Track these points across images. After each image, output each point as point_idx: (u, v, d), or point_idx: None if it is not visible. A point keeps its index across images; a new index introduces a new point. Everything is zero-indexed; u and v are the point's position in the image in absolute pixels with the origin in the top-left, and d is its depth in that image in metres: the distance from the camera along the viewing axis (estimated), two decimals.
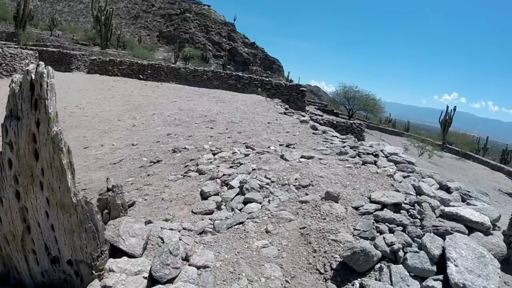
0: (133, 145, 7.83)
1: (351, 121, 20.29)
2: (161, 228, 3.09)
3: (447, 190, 4.54)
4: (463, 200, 4.24)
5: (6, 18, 35.30)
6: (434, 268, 2.91)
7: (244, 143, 6.80)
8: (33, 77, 1.82)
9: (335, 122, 18.53)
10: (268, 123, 9.56)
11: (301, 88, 22.15)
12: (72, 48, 39.72)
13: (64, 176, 2.10)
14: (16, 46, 26.43)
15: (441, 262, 2.96)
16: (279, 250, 3.08)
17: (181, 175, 5.56)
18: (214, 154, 6.16)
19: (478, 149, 39.28)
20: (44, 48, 27.56)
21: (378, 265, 2.91)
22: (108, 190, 5.80)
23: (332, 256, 2.99)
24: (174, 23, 71.51)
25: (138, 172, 6.11)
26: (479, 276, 2.71)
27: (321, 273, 2.90)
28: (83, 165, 6.94)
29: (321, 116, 20.37)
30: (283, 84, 22.54)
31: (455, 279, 2.68)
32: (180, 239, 2.99)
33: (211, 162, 5.73)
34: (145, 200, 4.87)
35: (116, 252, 2.70)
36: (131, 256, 2.65)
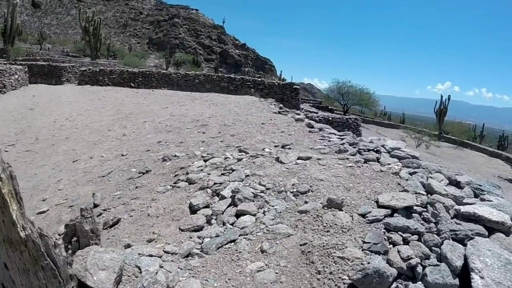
0: (122, 155, 7.53)
1: (347, 117, 20.00)
2: (139, 254, 2.67)
3: (457, 185, 4.16)
4: (476, 196, 3.86)
5: None
6: (457, 281, 2.52)
7: (237, 147, 6.40)
8: None
9: (330, 118, 18.24)
10: (262, 123, 9.21)
11: (294, 86, 21.85)
12: (62, 60, 39.51)
13: (6, 208, 1.71)
14: (5, 62, 26.21)
15: (463, 273, 2.58)
16: (277, 273, 2.66)
17: (170, 185, 5.19)
18: (205, 161, 5.76)
19: (475, 136, 39.22)
20: (34, 62, 27.43)
21: (394, 285, 2.49)
22: (95, 206, 5.49)
23: (339, 277, 2.56)
24: (163, 29, 71.30)
25: (127, 185, 5.78)
26: None
27: None
28: (71, 180, 6.69)
29: (316, 113, 20.04)
30: (276, 84, 22.22)
31: None
32: (162, 267, 2.58)
33: (201, 169, 5.32)
34: (130, 216, 4.50)
35: None
36: None
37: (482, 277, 2.42)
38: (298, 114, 11.73)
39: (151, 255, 2.79)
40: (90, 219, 2.64)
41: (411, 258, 2.63)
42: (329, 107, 34.72)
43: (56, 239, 2.21)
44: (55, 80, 25.37)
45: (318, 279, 2.58)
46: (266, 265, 2.74)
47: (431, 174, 4.36)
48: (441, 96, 36.43)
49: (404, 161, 4.80)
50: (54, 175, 7.24)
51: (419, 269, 2.60)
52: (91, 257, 2.34)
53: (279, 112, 12.11)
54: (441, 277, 2.50)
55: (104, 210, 4.94)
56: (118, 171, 6.47)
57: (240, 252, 2.90)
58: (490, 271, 2.47)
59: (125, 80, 24.65)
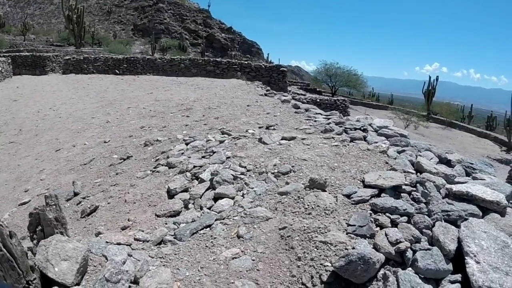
0: (105, 142, 7.39)
1: (335, 98, 19.80)
2: (106, 243, 2.47)
3: (448, 163, 4.01)
4: (468, 175, 3.69)
5: None
6: (450, 266, 2.31)
7: (220, 129, 6.20)
8: None
9: (318, 100, 17.95)
10: (248, 105, 9.02)
11: (281, 69, 21.62)
12: (46, 50, 38.91)
13: None
14: None
15: (457, 257, 2.38)
16: (253, 260, 2.46)
17: (150, 170, 5.03)
18: (187, 144, 5.56)
19: (463, 117, 39.37)
20: (17, 54, 26.94)
21: (381, 272, 2.28)
22: (75, 194, 5.31)
23: (321, 264, 2.35)
24: (148, 15, 70.17)
25: (107, 172, 5.66)
26: (507, 274, 2.09)
27: None
28: (53, 169, 6.61)
29: (304, 95, 19.81)
30: (263, 66, 21.94)
31: (478, 282, 2.08)
32: (130, 256, 2.38)
33: (182, 153, 5.11)
34: (108, 203, 4.34)
35: (49, 280, 2.09)
36: (62, 285, 2.03)
37: (478, 262, 2.22)
38: (285, 96, 11.54)
39: (119, 243, 2.58)
40: (54, 207, 2.43)
41: (400, 242, 2.44)
42: (317, 89, 34.63)
43: (9, 229, 2.00)
44: (39, 70, 25.01)
45: (298, 266, 2.39)
46: (242, 251, 2.55)
47: (420, 152, 4.20)
48: (429, 77, 36.36)
49: (392, 139, 4.65)
50: (37, 165, 7.18)
51: (409, 254, 2.40)
52: (53, 246, 2.13)
53: (266, 95, 11.95)
54: (433, 262, 2.30)
55: (84, 198, 4.81)
56: (100, 158, 6.36)
57: (215, 238, 2.70)
58: (487, 255, 2.27)
59: (109, 67, 24.44)
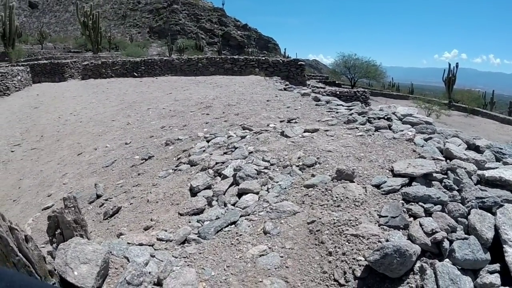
0: (126, 144, 7.42)
1: (355, 90, 19.53)
2: (128, 244, 2.40)
3: (477, 149, 3.85)
4: (498, 160, 3.52)
5: None
6: (488, 256, 2.17)
7: (241, 125, 6.13)
8: None
9: (338, 92, 17.78)
10: (267, 100, 8.95)
11: (299, 63, 21.42)
12: (64, 57, 39.52)
13: None
14: (7, 65, 26.44)
15: (494, 246, 2.24)
16: (281, 257, 2.35)
17: (172, 169, 4.99)
18: (208, 141, 5.53)
19: (485, 104, 38.44)
20: (36, 62, 27.50)
21: (418, 265, 2.15)
22: (98, 196, 5.32)
23: (354, 259, 2.24)
24: (163, 17, 70.82)
25: (129, 173, 5.64)
26: None
27: (341, 285, 2.15)
28: (76, 173, 6.64)
29: (323, 88, 19.67)
30: (281, 61, 21.77)
31: None
32: (153, 256, 2.31)
33: (204, 150, 5.06)
34: (131, 204, 4.31)
35: (69, 285, 2.03)
36: None
37: None
38: (305, 90, 11.42)
39: (141, 244, 2.52)
40: (73, 209, 2.37)
41: (436, 232, 2.30)
42: (336, 82, 34.38)
43: (25, 233, 1.95)
44: (59, 77, 25.45)
45: (330, 262, 2.27)
46: (270, 248, 2.45)
47: (448, 139, 4.06)
48: (449, 65, 35.75)
49: (417, 127, 4.51)
50: (60, 170, 7.23)
51: (446, 244, 2.26)
52: (72, 250, 2.06)
53: (285, 89, 11.87)
54: (471, 252, 2.17)
55: (106, 200, 4.79)
56: (122, 160, 6.37)
57: (240, 235, 2.61)
58: None
59: (128, 70, 24.67)
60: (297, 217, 2.71)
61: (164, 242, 2.67)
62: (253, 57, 24.18)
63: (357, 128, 4.69)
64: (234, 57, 23.25)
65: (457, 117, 27.31)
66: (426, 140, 3.97)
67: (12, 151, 9.42)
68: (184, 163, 4.90)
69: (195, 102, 10.59)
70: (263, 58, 22.45)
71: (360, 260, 2.23)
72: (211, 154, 4.72)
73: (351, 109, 6.17)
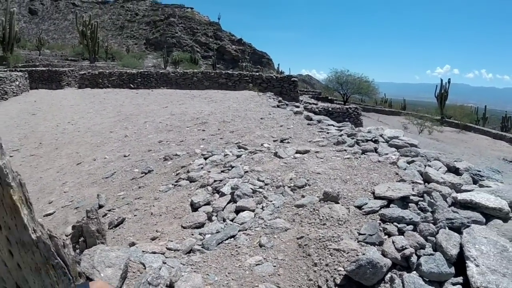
0: (125, 156, 7.61)
1: (347, 106, 19.94)
2: (143, 252, 2.76)
3: (456, 172, 4.22)
4: (475, 182, 3.89)
5: None
6: (452, 270, 2.54)
7: (237, 143, 6.47)
8: None
9: (330, 109, 18.11)
10: (261, 118, 9.28)
11: (292, 79, 21.91)
12: (62, 65, 39.63)
13: (18, 213, 1.77)
14: (5, 69, 26.52)
15: (459, 261, 2.60)
16: (274, 266, 2.74)
17: (172, 184, 5.27)
18: (205, 159, 5.83)
19: (478, 119, 39.03)
20: (34, 68, 27.61)
21: (388, 275, 2.53)
22: (100, 207, 5.59)
23: (335, 269, 2.63)
24: (159, 29, 71.43)
25: (130, 185, 5.88)
26: (504, 275, 2.32)
27: None
28: (76, 182, 6.82)
29: (316, 104, 20.04)
30: (274, 77, 22.28)
31: (477, 283, 2.30)
32: (165, 263, 2.67)
33: (202, 167, 5.39)
34: (135, 216, 4.58)
35: None
36: None
37: (477, 265, 2.43)
38: (297, 107, 11.82)
39: (154, 252, 2.87)
40: (95, 220, 2.73)
41: (406, 248, 2.67)
42: (329, 98, 34.73)
43: (63, 239, 2.30)
44: (56, 84, 25.60)
45: (315, 271, 2.65)
46: (264, 258, 2.81)
47: (430, 162, 4.41)
48: (441, 80, 36.38)
49: (402, 150, 4.87)
50: (59, 178, 7.37)
51: (414, 259, 2.63)
52: (98, 255, 2.43)
53: (278, 106, 12.19)
54: (436, 266, 2.53)
55: (109, 210, 5.01)
56: (121, 172, 6.56)
57: (239, 247, 2.97)
58: (486, 258, 2.48)
59: (124, 81, 24.90)
60: (288, 233, 3.08)
61: (172, 251, 3.01)
62: (247, 72, 24.63)
63: (345, 150, 5.07)
64: (229, 72, 23.69)
65: (449, 133, 27.60)
66: (409, 163, 4.33)
67: (10, 156, 9.35)
68: (183, 179, 5.19)
69: (191, 117, 10.80)
70: (257, 74, 22.87)
71: (340, 270, 2.61)
72: (209, 171, 5.05)
73: (341, 130, 6.56)
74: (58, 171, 7.83)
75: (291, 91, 21.30)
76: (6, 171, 1.68)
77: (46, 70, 26.62)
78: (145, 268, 2.57)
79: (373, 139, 5.48)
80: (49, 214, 5.53)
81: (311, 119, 8.23)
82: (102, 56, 54.07)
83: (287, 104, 12.66)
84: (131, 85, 24.57)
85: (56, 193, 6.53)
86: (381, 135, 5.71)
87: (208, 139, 7.50)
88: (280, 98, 16.04)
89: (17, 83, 20.33)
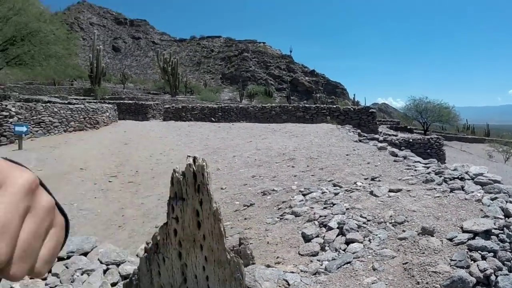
0: (222, 189, 8.22)
1: (428, 137, 19.57)
2: (283, 272, 3.62)
3: None
4: None
5: (82, 76, 39.76)
6: None
7: (330, 181, 7.20)
8: (195, 168, 2.43)
9: (411, 140, 18.08)
10: (347, 155, 9.90)
11: (370, 110, 22.24)
12: (146, 98, 42.75)
13: (221, 239, 2.67)
14: (95, 101, 29.07)
15: None
16: (386, 284, 3.47)
17: (278, 217, 5.94)
18: (304, 195, 6.60)
19: None
20: (121, 101, 30.09)
21: None
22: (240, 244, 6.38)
23: (433, 286, 3.35)
24: (234, 64, 74.37)
25: (235, 216, 6.50)
26: None
27: None
28: None
29: (395, 135, 20.03)
30: (352, 109, 22.73)
31: None
32: (301, 281, 3.49)
33: (303, 203, 6.18)
34: (250, 244, 5.27)
35: None
36: None
37: None
38: (380, 142, 12.29)
39: (292, 272, 3.72)
40: (248, 245, 3.65)
41: (487, 269, 3.41)
42: (408, 127, 33.99)
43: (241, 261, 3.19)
44: (142, 116, 27.76)
45: None
46: (378, 279, 3.57)
47: (511, 197, 4.96)
48: None
49: (486, 187, 5.41)
50: (161, 205, 7.86)
51: (493, 277, 3.36)
52: (257, 272, 3.33)
53: (360, 140, 12.69)
54: (509, 283, 3.25)
55: None
56: (223, 204, 7.14)
57: (356, 270, 3.74)
58: None
59: (205, 115, 26.30)
60: (395, 260, 3.83)
61: (303, 272, 3.83)
62: (324, 105, 25.12)
63: (434, 189, 5.71)
64: (306, 105, 24.43)
65: None
66: (492, 199, 4.91)
67: (109, 181, 10.20)
68: (288, 213, 5.95)
69: (277, 153, 11.48)
70: (334, 106, 23.36)
71: (437, 287, 3.35)
72: (312, 207, 5.85)
73: (428, 167, 7.09)
74: (158, 199, 8.39)
75: (370, 123, 21.55)
76: (219, 211, 2.63)
77: (133, 103, 28.97)
78: (288, 285, 3.42)
79: (459, 176, 6.02)
80: None
81: (396, 155, 8.79)
82: (181, 90, 56.99)
83: (368, 138, 13.09)
84: (212, 118, 25.75)
85: (160, 219, 7.04)
86: (466, 172, 6.22)
87: (299, 176, 8.18)
88: (359, 131, 16.43)
89: (108, 114, 22.13)
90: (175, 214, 2.33)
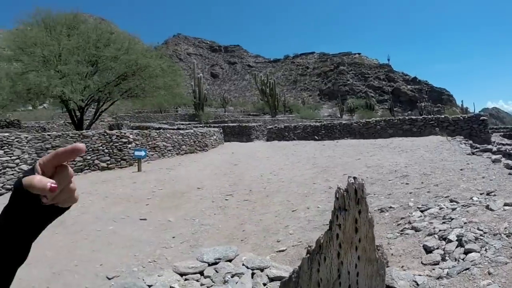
0: None
1: None
2: (413, 274, 4.40)
3: None
4: None
5: (186, 103, 43.35)
6: None
7: (447, 197, 7.61)
8: (356, 186, 3.25)
9: None
10: (461, 169, 10.04)
11: (481, 118, 21.26)
12: (247, 120, 44.78)
13: (373, 241, 3.30)
14: (202, 125, 31.55)
15: None
16: (499, 286, 4.01)
17: (398, 232, 6.56)
18: (422, 211, 7.15)
19: None
20: (225, 124, 32.20)
21: None
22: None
23: None
24: (331, 79, 74.58)
25: None
26: None
27: None
28: (297, 226, 7.85)
29: (510, 145, 19.08)
30: (461, 118, 21.88)
31: None
32: (428, 282, 4.25)
33: (422, 219, 6.78)
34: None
35: None
36: None
37: None
38: (493, 152, 12.11)
39: (420, 275, 4.50)
40: (381, 254, 4.50)
41: None
42: None
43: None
44: (246, 138, 29.45)
45: None
46: (492, 281, 4.14)
47: None
48: None
49: None
50: (279, 221, 8.27)
51: None
52: (394, 272, 4.17)
53: (473, 153, 12.59)
54: None
55: None
56: None
57: (474, 275, 4.36)
58: None
59: (308, 133, 26.96)
60: (508, 265, 4.39)
61: (427, 276, 4.56)
62: (432, 116, 24.37)
63: None
64: (412, 117, 24.02)
65: None
66: None
67: (226, 199, 10.68)
68: (408, 229, 6.56)
69: (388, 170, 11.70)
70: (443, 116, 22.49)
71: None
72: (431, 222, 6.46)
73: None
74: (276, 216, 8.78)
75: (481, 132, 20.72)
76: (373, 219, 3.44)
77: (237, 126, 30.85)
78: (417, 285, 4.19)
79: None
80: (282, 251, 6.58)
81: (511, 168, 8.91)
82: (281, 110, 58.59)
83: (479, 149, 12.95)
84: (316, 136, 26.27)
85: (281, 234, 7.47)
86: None
87: (415, 192, 8.52)
88: (471, 142, 16.05)
89: (215, 137, 23.92)
90: (339, 222, 3.02)
